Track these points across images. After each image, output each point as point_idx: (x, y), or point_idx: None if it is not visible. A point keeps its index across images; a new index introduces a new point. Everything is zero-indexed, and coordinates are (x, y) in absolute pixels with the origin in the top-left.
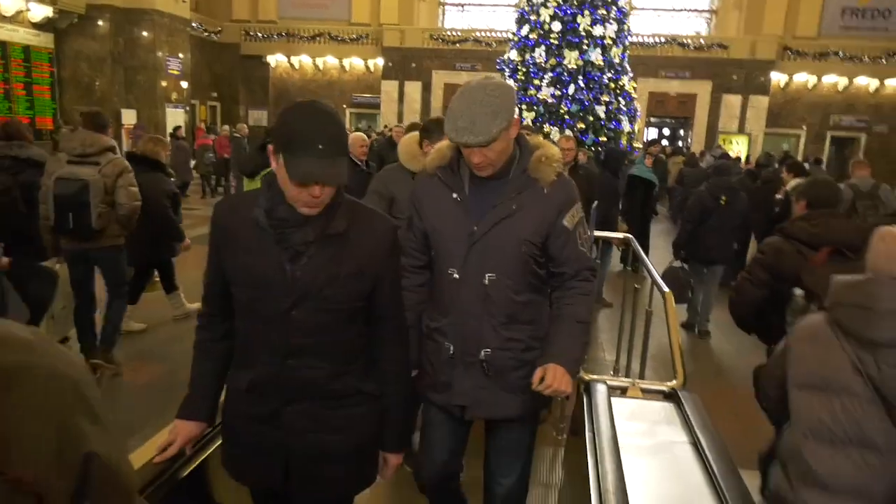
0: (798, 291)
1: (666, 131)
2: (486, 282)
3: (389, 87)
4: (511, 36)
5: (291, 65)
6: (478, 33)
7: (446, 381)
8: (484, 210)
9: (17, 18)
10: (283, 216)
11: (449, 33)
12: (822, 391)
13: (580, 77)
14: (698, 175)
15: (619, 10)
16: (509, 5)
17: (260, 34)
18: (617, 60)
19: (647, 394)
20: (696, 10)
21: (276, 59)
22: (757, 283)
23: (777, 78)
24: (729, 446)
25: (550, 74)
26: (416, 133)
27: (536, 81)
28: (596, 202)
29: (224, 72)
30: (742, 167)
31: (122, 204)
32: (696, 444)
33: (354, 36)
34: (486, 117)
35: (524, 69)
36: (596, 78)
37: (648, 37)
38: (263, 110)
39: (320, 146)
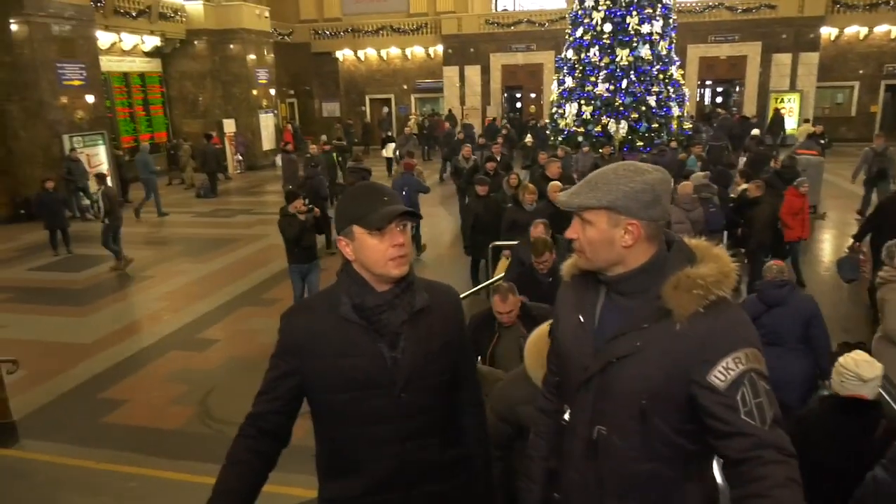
0: None
1: (719, 88)
2: (595, 436)
3: (451, 73)
4: (563, 14)
5: (358, 58)
6: (530, 16)
7: None
8: (608, 340)
9: (133, 51)
10: (374, 304)
11: (502, 17)
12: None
13: (632, 72)
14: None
15: (664, 6)
16: None
17: (328, 32)
18: (664, 53)
19: None
20: None
21: (343, 54)
22: None
23: (827, 32)
24: None
25: (605, 71)
26: (546, 328)
27: (592, 78)
28: None
29: (298, 70)
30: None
31: None
32: None
33: (414, 26)
34: (587, 185)
35: (581, 67)
36: (646, 71)
37: (696, 4)
38: (335, 102)
39: (385, 198)
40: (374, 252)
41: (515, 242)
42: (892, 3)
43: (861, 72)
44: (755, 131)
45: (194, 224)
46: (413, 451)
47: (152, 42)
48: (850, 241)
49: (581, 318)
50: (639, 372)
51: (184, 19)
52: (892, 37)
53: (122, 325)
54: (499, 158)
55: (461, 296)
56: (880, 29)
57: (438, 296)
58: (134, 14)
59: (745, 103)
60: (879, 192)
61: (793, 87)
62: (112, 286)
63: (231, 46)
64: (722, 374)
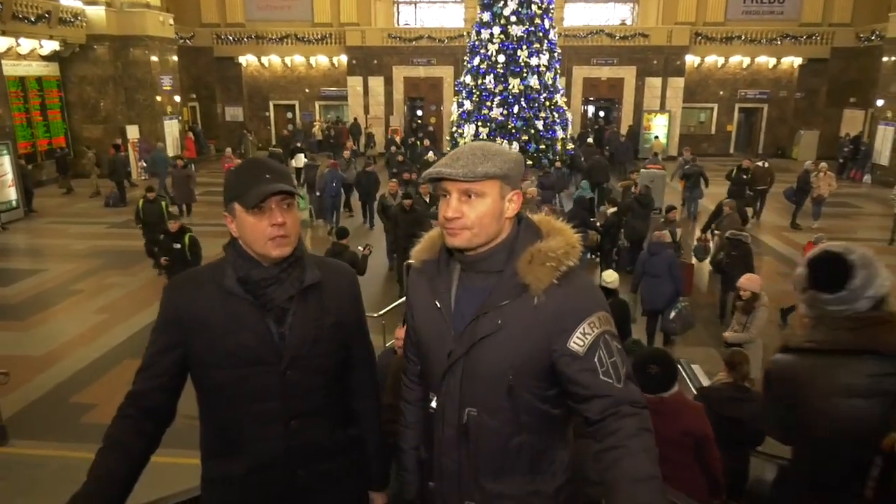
0: None
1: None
2: (465, 418)
3: (354, 83)
4: (461, 32)
5: (262, 64)
6: (431, 32)
7: None
8: (468, 321)
9: (30, 55)
10: (259, 277)
11: (405, 32)
12: None
13: (522, 99)
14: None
15: (550, 41)
16: (458, 2)
17: (231, 37)
18: (550, 83)
19: None
20: (620, 0)
21: (246, 60)
22: None
23: (691, 60)
24: None
25: (499, 97)
26: None
27: (488, 103)
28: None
29: (200, 73)
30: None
31: None
32: None
33: (319, 36)
34: (473, 156)
35: (478, 92)
36: (534, 98)
37: (581, 29)
38: (239, 107)
39: (267, 176)
40: (254, 231)
41: None
42: (743, 37)
43: (721, 94)
44: (589, 140)
45: (110, 235)
46: (299, 431)
47: (51, 46)
48: (699, 233)
49: (438, 303)
50: (503, 349)
51: (84, 24)
52: (744, 66)
53: (68, 338)
54: (427, 199)
55: (381, 311)
56: (734, 59)
57: (332, 273)
58: (33, 19)
59: (623, 120)
60: (692, 192)
61: (663, 108)
62: (45, 300)
63: (134, 51)
64: (580, 339)
